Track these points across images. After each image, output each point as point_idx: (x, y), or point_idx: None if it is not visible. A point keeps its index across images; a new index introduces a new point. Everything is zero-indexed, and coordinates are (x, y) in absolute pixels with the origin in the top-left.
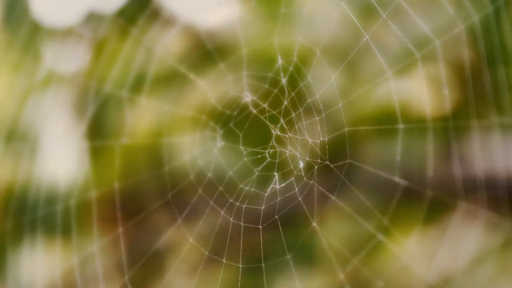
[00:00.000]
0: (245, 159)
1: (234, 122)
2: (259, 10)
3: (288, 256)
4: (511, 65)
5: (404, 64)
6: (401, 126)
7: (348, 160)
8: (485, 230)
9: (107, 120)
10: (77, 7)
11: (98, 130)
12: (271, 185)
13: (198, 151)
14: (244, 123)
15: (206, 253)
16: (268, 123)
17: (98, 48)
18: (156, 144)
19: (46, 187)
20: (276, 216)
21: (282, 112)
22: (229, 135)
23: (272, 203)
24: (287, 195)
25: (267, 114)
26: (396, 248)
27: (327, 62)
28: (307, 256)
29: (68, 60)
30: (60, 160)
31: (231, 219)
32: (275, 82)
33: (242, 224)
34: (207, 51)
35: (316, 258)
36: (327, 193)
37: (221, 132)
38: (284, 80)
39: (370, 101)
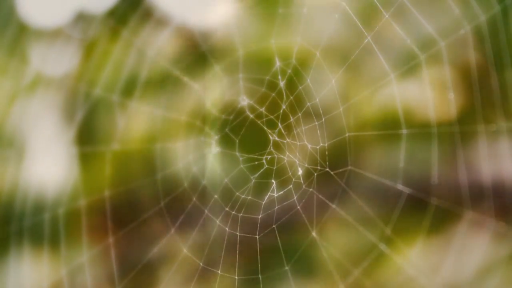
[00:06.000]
0: (242, 165)
1: (230, 127)
2: (256, 10)
3: (287, 267)
4: None
5: (407, 66)
6: (404, 131)
7: (349, 167)
8: (492, 240)
9: (97, 125)
10: (66, 7)
11: (88, 135)
12: (269, 193)
13: (192, 157)
14: (241, 128)
15: (201, 264)
16: (265, 128)
17: (88, 50)
18: (148, 150)
19: (34, 195)
20: (274, 225)
21: (280, 117)
22: (225, 141)
23: (269, 211)
24: (285, 203)
25: (264, 119)
26: (400, 259)
27: (327, 64)
28: (306, 267)
29: (56, 62)
30: (48, 166)
31: (226, 229)
32: (272, 86)
33: (238, 233)
34: (201, 53)
35: (315, 269)
36: (327, 201)
37: (216, 137)
38: (282, 83)
39: (372, 105)
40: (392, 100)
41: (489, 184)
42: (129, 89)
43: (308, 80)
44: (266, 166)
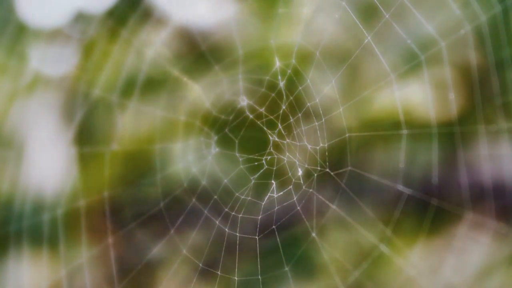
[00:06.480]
0: (241, 166)
1: (229, 128)
2: (255, 10)
3: (287, 268)
4: None
5: (408, 66)
6: (404, 131)
7: (349, 168)
8: (493, 241)
9: (96, 125)
10: (65, 7)
11: (87, 136)
12: (269, 194)
13: (191, 158)
14: (240, 128)
15: (200, 265)
16: (265, 128)
17: (87, 50)
18: (147, 150)
19: (32, 195)
20: (273, 226)
21: (280, 117)
22: (224, 141)
23: (269, 212)
24: (285, 204)
25: (264, 119)
26: (400, 260)
27: (327, 64)
28: (306, 268)
29: (55, 62)
30: (47, 167)
31: (226, 230)
32: (272, 86)
33: (238, 234)
34: (201, 53)
35: (315, 270)
36: (327, 202)
37: (215, 138)
38: (282, 84)
39: (372, 106)
40: (392, 101)
41: (490, 184)
42: (128, 89)
43: (308, 80)
44: (266, 166)
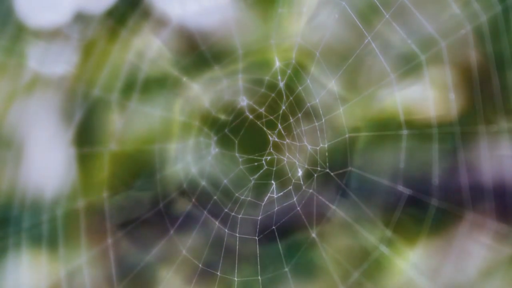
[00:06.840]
0: (241, 166)
1: (229, 128)
2: (255, 10)
3: (286, 269)
4: None
5: (408, 67)
6: (405, 132)
7: (349, 168)
8: (493, 241)
9: (95, 125)
10: (64, 7)
11: (86, 136)
12: (268, 194)
13: (191, 158)
14: (240, 129)
15: (200, 265)
16: (265, 129)
17: (86, 50)
18: (147, 151)
19: (32, 196)
20: (273, 227)
21: (280, 117)
22: (224, 142)
23: (269, 213)
24: (285, 204)
25: (264, 120)
26: (400, 260)
27: (327, 64)
28: (306, 268)
29: (54, 62)
30: (46, 167)
31: (226, 230)
32: (272, 86)
33: (237, 235)
34: (200, 53)
35: (315, 270)
36: (327, 202)
37: (215, 138)
38: (281, 84)
39: (372, 106)
40: (392, 101)
41: (490, 185)
42: (127, 89)
43: (308, 81)
44: (266, 167)
